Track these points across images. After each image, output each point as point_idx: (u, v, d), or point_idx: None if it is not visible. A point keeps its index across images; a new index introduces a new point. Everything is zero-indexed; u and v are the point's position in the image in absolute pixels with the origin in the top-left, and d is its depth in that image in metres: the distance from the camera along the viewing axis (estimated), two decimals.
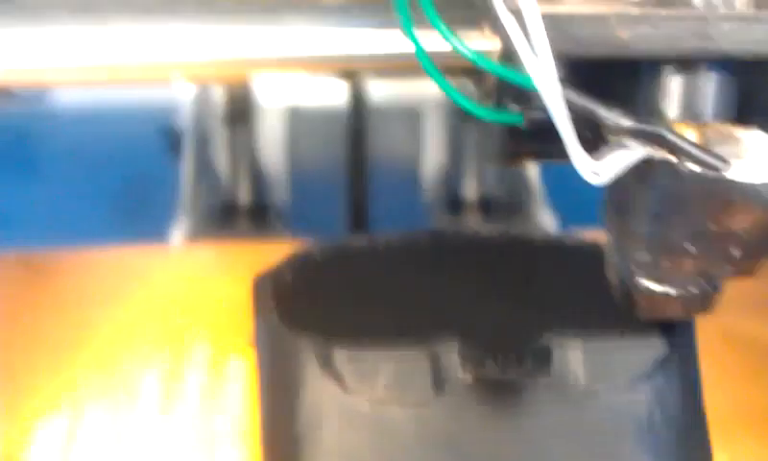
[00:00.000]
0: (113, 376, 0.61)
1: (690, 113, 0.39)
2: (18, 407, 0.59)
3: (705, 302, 0.41)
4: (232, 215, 1.02)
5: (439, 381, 0.41)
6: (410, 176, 1.13)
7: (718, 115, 0.39)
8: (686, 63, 0.39)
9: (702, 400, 0.47)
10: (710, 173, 0.36)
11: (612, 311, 0.46)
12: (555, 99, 0.35)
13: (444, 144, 1.10)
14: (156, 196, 1.04)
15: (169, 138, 1.01)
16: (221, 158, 1.03)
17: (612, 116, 0.36)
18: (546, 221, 1.00)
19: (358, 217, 1.09)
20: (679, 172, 0.37)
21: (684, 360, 0.45)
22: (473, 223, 1.09)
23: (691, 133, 0.37)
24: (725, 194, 0.37)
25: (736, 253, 0.38)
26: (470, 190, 1.10)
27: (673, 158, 0.36)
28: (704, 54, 0.38)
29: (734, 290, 0.68)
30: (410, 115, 1.11)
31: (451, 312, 0.46)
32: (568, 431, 0.42)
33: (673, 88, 0.39)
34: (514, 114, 0.39)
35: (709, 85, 0.39)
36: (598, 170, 0.36)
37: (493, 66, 0.37)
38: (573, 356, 0.42)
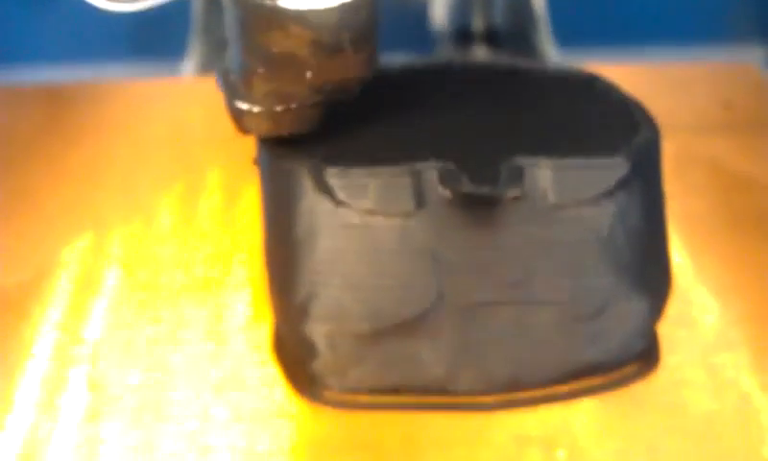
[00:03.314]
0: (131, 200, 0.66)
1: None
2: (44, 232, 0.63)
3: (295, 118, 0.46)
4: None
5: (420, 196, 0.46)
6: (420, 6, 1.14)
7: None
8: None
9: (663, 219, 0.52)
10: (266, 1, 0.41)
11: (585, 136, 0.50)
12: None
13: None
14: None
15: None
16: None
17: None
18: (549, 50, 1.02)
19: None
20: (239, 1, 0.42)
21: (647, 180, 0.49)
22: (481, 54, 1.10)
23: None
24: (280, 20, 0.42)
25: (308, 73, 0.43)
26: (478, 21, 1.11)
27: None
28: None
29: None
30: None
31: (435, 135, 0.50)
32: (538, 243, 0.47)
33: None
34: None
35: None
36: None
37: None
38: (543, 175, 0.46)
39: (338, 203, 0.46)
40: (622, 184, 0.47)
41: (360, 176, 0.46)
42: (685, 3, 1.42)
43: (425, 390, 0.49)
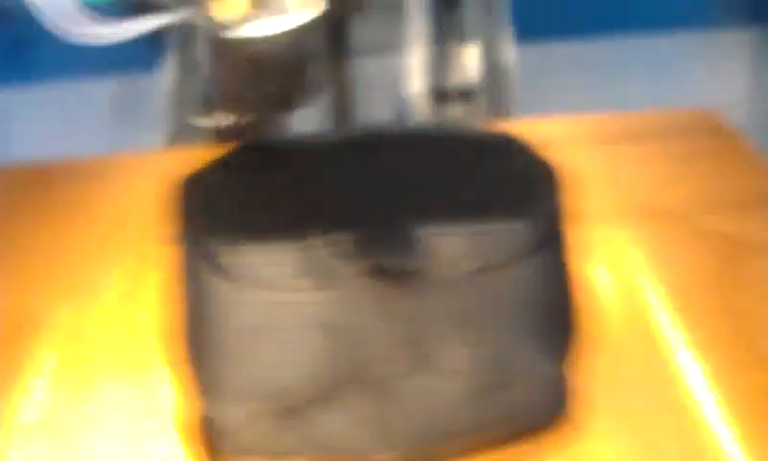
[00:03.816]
0: (77, 278, 0.67)
1: None
2: None
3: (257, 129, 0.53)
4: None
5: (320, 272, 0.46)
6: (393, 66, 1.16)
7: None
8: None
9: (570, 284, 0.51)
10: (218, 32, 0.48)
11: (495, 201, 0.50)
12: None
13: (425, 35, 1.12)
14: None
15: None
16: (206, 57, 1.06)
17: None
18: (514, 107, 1.03)
19: (343, 110, 1.13)
20: (204, 34, 0.49)
21: (552, 247, 0.49)
22: (456, 112, 1.12)
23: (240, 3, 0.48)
24: (239, 48, 0.49)
25: (270, 88, 0.50)
26: (453, 81, 1.13)
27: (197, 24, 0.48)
28: None
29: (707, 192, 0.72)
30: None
31: (342, 206, 0.50)
32: (443, 314, 0.46)
33: None
34: None
35: None
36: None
37: None
38: (448, 244, 0.46)
39: (235, 281, 0.46)
40: (527, 251, 0.47)
41: (254, 254, 0.46)
42: None
43: None
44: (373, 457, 0.48)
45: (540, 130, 0.89)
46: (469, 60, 1.11)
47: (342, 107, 1.12)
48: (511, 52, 1.06)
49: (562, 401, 0.51)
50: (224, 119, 0.52)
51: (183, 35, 1.07)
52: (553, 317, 0.48)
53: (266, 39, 0.48)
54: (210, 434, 0.49)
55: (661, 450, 0.50)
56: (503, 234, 0.47)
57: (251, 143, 0.55)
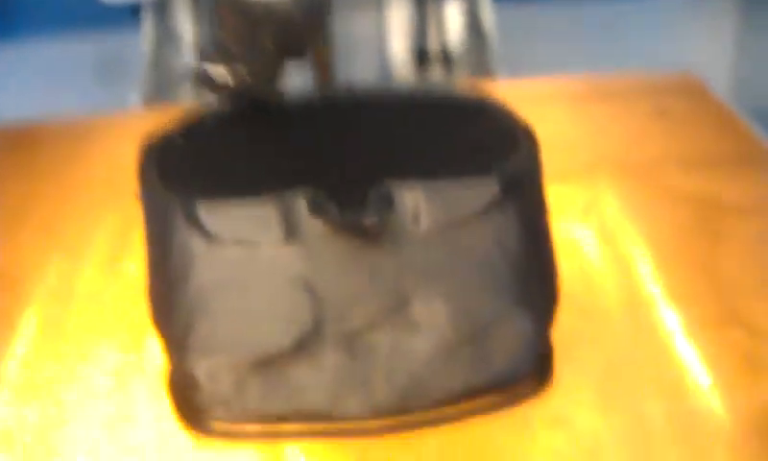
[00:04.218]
0: (54, 239, 0.67)
1: None
2: None
3: (258, 80, 0.53)
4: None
5: (291, 225, 0.46)
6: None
7: None
8: None
9: (545, 236, 0.51)
10: None
11: (463, 159, 0.50)
12: None
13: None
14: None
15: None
16: (184, 23, 1.06)
17: None
18: (497, 69, 1.02)
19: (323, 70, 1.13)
20: None
21: (523, 200, 0.49)
22: (437, 74, 1.11)
23: None
24: (242, 3, 0.51)
25: (269, 45, 0.52)
26: (434, 44, 1.12)
27: None
28: None
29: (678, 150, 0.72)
30: None
31: (313, 165, 0.50)
32: (412, 267, 0.47)
33: None
34: None
35: None
36: None
37: None
38: (414, 197, 0.46)
39: (209, 236, 0.46)
40: (495, 205, 0.47)
41: (229, 208, 0.46)
42: None
43: (311, 417, 0.49)
44: (347, 411, 0.48)
45: (515, 91, 0.89)
46: (451, 21, 1.11)
47: (323, 66, 1.11)
48: (491, 13, 1.05)
49: (539, 357, 0.51)
50: (222, 72, 0.53)
51: None
52: (527, 273, 0.48)
53: None
54: (183, 388, 0.50)
55: (639, 406, 0.50)
56: (469, 189, 0.47)
57: (228, 103, 0.55)
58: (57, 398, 0.53)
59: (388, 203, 0.46)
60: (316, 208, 0.46)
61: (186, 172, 0.50)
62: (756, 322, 0.55)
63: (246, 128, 0.55)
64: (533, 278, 0.49)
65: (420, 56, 1.13)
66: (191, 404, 0.49)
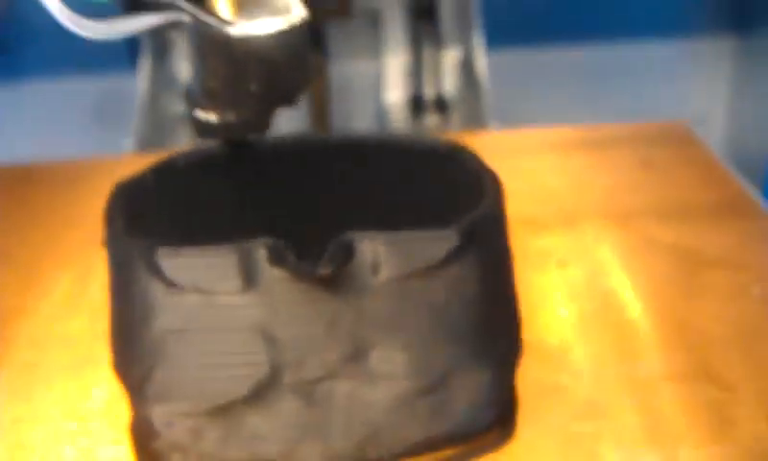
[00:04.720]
0: (29, 278, 0.68)
1: None
2: None
3: (247, 126, 0.52)
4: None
5: (250, 274, 0.46)
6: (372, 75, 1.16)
7: None
8: None
9: (507, 286, 0.51)
10: (216, 29, 0.49)
11: (426, 210, 0.51)
12: None
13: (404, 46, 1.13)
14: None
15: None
16: (183, 67, 1.07)
17: None
18: (489, 119, 1.03)
19: (320, 117, 1.14)
20: (198, 30, 0.50)
21: (484, 251, 0.49)
22: (432, 122, 1.12)
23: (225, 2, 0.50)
24: (229, 45, 0.49)
25: (255, 88, 0.50)
26: (429, 91, 1.13)
27: (190, 19, 0.49)
28: None
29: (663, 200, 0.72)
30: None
31: (278, 213, 0.51)
32: (370, 317, 0.47)
33: None
34: None
35: None
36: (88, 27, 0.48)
37: None
38: (373, 249, 0.46)
39: (168, 282, 0.46)
40: (454, 256, 0.47)
41: (188, 255, 0.47)
42: None
43: None
44: (304, 460, 0.48)
45: (502, 142, 0.90)
46: (447, 69, 1.11)
47: (319, 112, 1.12)
48: (485, 62, 1.06)
49: (501, 408, 0.51)
50: (209, 117, 0.52)
51: (158, 41, 1.08)
52: (488, 323, 0.48)
53: (257, 38, 0.49)
54: (142, 434, 0.50)
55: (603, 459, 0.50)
56: (429, 240, 0.47)
57: (198, 146, 0.55)
58: (18, 436, 0.53)
59: (348, 253, 0.46)
60: (274, 258, 0.46)
61: (152, 217, 0.50)
62: (727, 377, 0.55)
63: (216, 171, 0.55)
64: (494, 328, 0.49)
65: (416, 103, 1.13)
66: (149, 450, 0.49)
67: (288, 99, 0.53)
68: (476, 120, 1.06)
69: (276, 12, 0.50)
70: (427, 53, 1.13)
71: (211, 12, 0.49)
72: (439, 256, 0.47)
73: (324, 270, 0.45)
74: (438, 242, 0.47)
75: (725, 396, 0.54)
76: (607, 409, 0.53)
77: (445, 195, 0.52)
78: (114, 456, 0.51)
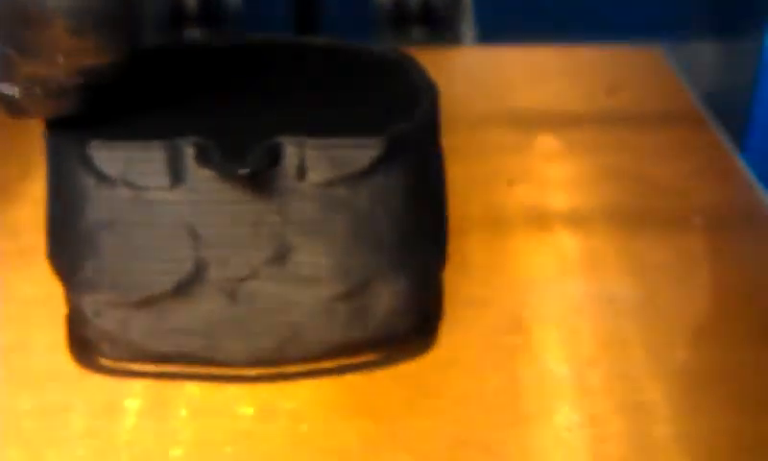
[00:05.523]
0: None
1: None
2: None
3: (56, 103, 0.47)
4: (180, 21, 1.06)
5: (178, 171, 0.47)
6: None
7: None
8: None
9: (436, 199, 0.52)
10: None
11: (361, 118, 0.51)
12: None
13: None
14: None
15: None
16: None
17: None
18: (468, 35, 1.02)
19: (305, 20, 1.13)
20: None
21: (413, 162, 0.49)
22: (416, 34, 1.11)
23: None
24: (28, 9, 0.43)
25: (60, 58, 0.44)
26: (415, 2, 1.12)
27: None
28: None
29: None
30: None
31: (211, 112, 0.51)
32: (295, 221, 0.48)
33: None
34: None
35: None
36: None
37: None
38: (301, 153, 0.47)
39: (98, 175, 0.47)
40: (379, 164, 0.48)
41: (120, 149, 0.47)
42: None
43: (193, 359, 0.50)
44: (227, 356, 0.50)
45: (481, 58, 0.89)
46: None
47: (306, 14, 1.12)
48: None
49: (421, 317, 0.52)
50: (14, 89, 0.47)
51: None
52: (411, 233, 0.49)
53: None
54: (72, 322, 0.51)
55: (520, 370, 0.51)
56: (356, 147, 0.48)
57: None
58: None
59: (273, 155, 0.47)
60: (201, 157, 0.46)
61: (83, 114, 0.51)
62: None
63: (160, 66, 0.55)
64: (417, 238, 0.50)
65: (401, 16, 1.12)
66: (81, 339, 0.51)
67: (102, 74, 0.46)
68: (459, 35, 1.05)
69: None
70: None
71: None
72: (363, 164, 0.48)
73: (244, 170, 0.46)
74: (364, 150, 0.48)
75: None
76: (531, 325, 0.54)
77: (384, 105, 0.52)
78: (50, 342, 0.53)
